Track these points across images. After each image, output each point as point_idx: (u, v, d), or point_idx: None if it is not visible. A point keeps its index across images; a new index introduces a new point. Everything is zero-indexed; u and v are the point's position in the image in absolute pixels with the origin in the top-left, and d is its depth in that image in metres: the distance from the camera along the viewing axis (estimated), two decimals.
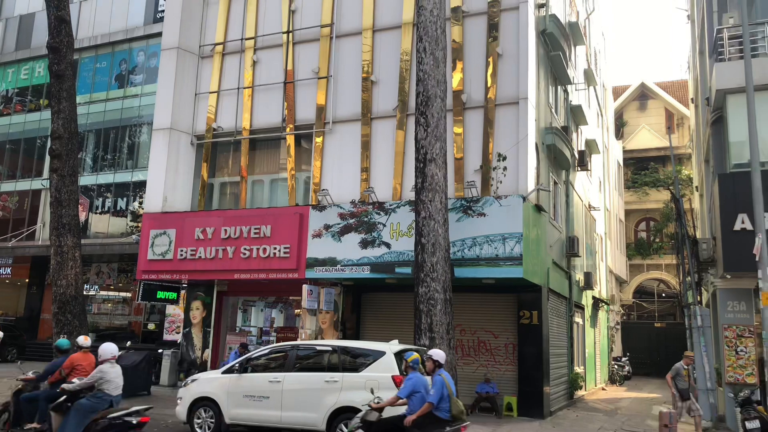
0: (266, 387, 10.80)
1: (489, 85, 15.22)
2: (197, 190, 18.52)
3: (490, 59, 15.32)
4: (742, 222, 12.78)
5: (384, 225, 14.91)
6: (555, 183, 18.22)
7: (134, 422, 8.15)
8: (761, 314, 10.98)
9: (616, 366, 28.63)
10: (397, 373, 10.02)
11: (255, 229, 16.15)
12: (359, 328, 16.80)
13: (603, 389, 24.49)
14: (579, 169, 21.48)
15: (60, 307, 16.23)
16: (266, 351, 11.71)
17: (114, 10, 25.14)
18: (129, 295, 23.68)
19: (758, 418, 11.32)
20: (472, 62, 15.59)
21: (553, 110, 18.31)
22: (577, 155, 20.96)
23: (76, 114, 17.46)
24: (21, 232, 24.88)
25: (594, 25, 26.96)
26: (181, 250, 16.84)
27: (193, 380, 11.77)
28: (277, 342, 16.27)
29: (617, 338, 33.52)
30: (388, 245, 14.77)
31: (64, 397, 8.77)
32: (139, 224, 20.10)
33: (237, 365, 11.38)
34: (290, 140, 17.44)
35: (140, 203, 22.31)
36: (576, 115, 21.13)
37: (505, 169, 14.55)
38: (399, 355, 10.39)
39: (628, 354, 32.94)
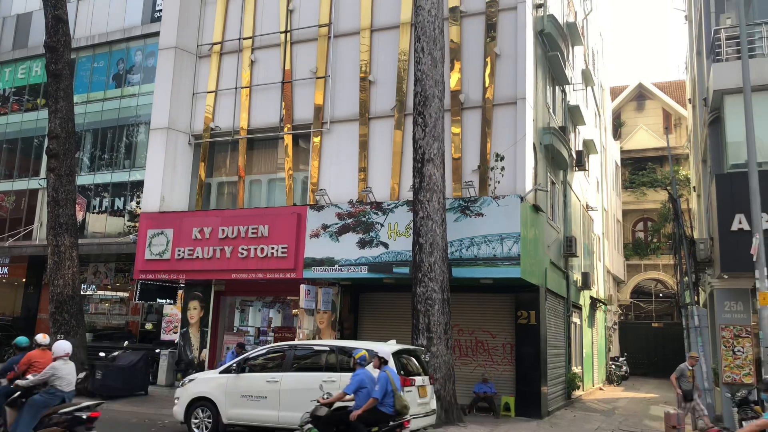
0: (264, 387, 10.79)
1: (487, 85, 15.23)
2: (195, 190, 18.49)
3: (488, 59, 15.32)
4: (740, 222, 12.80)
5: (382, 225, 14.91)
6: (553, 183, 18.23)
7: (84, 417, 8.31)
8: (758, 314, 11.00)
9: (613, 366, 28.65)
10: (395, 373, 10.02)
11: (253, 229, 16.13)
12: (357, 328, 16.79)
13: (600, 389, 24.51)
14: (577, 169, 21.50)
15: (57, 306, 16.22)
16: (264, 351, 11.70)
17: (111, 9, 25.07)
18: (126, 294, 23.63)
19: (755, 418, 11.34)
20: (470, 62, 15.59)
21: (551, 110, 18.32)
22: (574, 155, 20.97)
23: (74, 113, 17.45)
24: (18, 232, 24.82)
25: (592, 26, 26.98)
26: (179, 250, 16.82)
27: (190, 380, 11.75)
28: (274, 342, 16.24)
29: (615, 338, 33.56)
30: (385, 245, 14.77)
31: (19, 392, 8.92)
32: (137, 224, 20.07)
33: (234, 365, 11.37)
34: (288, 140, 17.42)
35: (137, 203, 22.26)
36: (574, 115, 21.15)
37: (502, 169, 14.55)
38: (397, 356, 10.40)
39: (625, 354, 32.96)
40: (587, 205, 24.35)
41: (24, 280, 26.15)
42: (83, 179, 23.62)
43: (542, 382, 14.85)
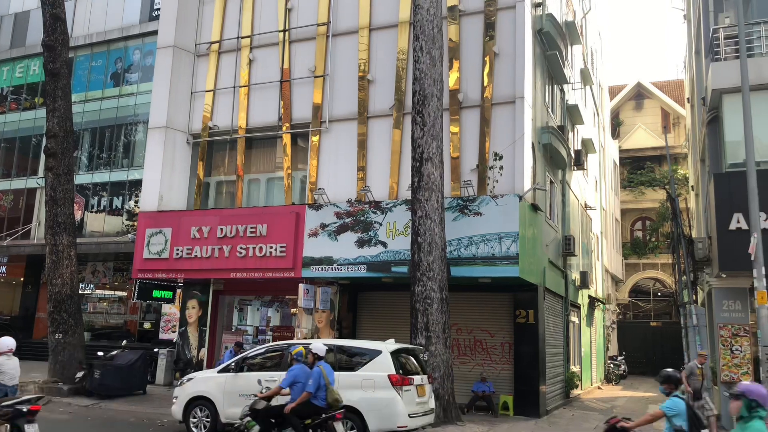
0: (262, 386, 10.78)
1: (485, 84, 15.22)
2: (193, 189, 18.47)
3: (487, 58, 15.31)
4: (738, 221, 12.81)
5: (380, 224, 14.91)
6: (551, 182, 18.23)
7: (24, 410, 8.38)
8: (756, 313, 11.00)
9: (611, 365, 28.68)
10: (393, 372, 10.04)
11: (251, 228, 16.12)
12: (355, 328, 16.79)
13: (599, 388, 24.54)
14: (575, 168, 21.51)
15: (55, 306, 16.21)
16: (262, 350, 11.71)
17: (109, 8, 25.06)
18: (125, 294, 23.62)
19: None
20: (468, 61, 15.58)
21: (550, 109, 18.32)
22: (573, 154, 20.98)
23: (72, 112, 17.43)
24: (16, 231, 24.79)
25: (590, 25, 26.99)
26: (177, 249, 16.80)
27: (188, 379, 11.75)
28: (273, 341, 16.24)
29: (613, 337, 33.58)
30: (384, 244, 14.76)
31: None
32: (135, 223, 20.05)
33: (233, 364, 11.37)
34: (286, 139, 17.41)
35: (136, 202, 22.25)
36: (572, 114, 21.15)
37: (501, 168, 14.55)
38: (395, 354, 10.41)
39: (623, 353, 33.00)
40: (586, 205, 24.37)
41: (22, 279, 26.14)
42: (81, 178, 23.60)
43: (541, 381, 14.86)
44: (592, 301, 25.07)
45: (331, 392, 8.87)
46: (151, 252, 17.16)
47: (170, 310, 19.84)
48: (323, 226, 15.44)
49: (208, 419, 11.02)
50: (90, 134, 24.58)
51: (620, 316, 36.15)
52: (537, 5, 16.68)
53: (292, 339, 14.89)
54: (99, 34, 24.90)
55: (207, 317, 17.91)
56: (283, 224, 15.84)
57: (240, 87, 18.12)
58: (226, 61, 18.57)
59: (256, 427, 9.02)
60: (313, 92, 17.12)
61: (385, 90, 16.31)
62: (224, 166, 18.75)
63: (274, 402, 9.30)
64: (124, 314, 23.70)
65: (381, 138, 16.16)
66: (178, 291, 18.62)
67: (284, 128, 17.42)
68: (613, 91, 39.43)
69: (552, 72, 18.53)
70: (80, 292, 18.53)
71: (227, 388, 11.03)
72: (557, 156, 18.03)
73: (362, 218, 15.12)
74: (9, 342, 9.40)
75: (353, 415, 9.93)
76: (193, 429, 11.09)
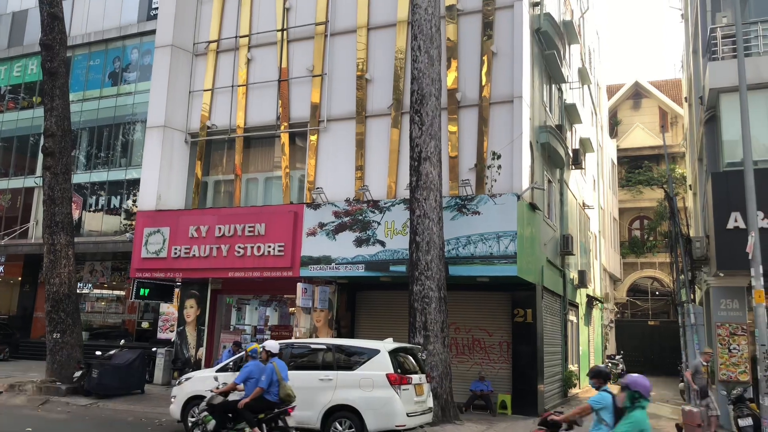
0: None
1: (483, 83, 15.23)
2: (191, 188, 18.46)
3: (485, 58, 15.32)
4: (735, 220, 12.83)
5: (379, 223, 14.91)
6: (549, 181, 18.24)
7: None
8: (754, 312, 11.01)
9: (609, 364, 28.70)
10: (392, 371, 10.05)
11: (249, 227, 16.11)
12: (354, 327, 16.80)
13: None
14: (573, 167, 21.53)
15: (53, 305, 16.20)
16: None
17: (107, 7, 25.01)
18: (123, 293, 23.60)
19: (751, 416, 11.38)
20: (466, 61, 15.59)
21: (548, 109, 18.33)
22: (571, 154, 21.00)
23: (69, 112, 17.41)
24: (14, 230, 24.76)
25: (588, 24, 27.01)
26: (175, 249, 16.79)
27: (187, 379, 11.75)
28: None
29: (611, 336, 33.64)
30: (382, 243, 14.77)
31: None
32: (133, 222, 20.03)
33: (231, 364, 11.37)
34: (285, 138, 17.41)
35: (134, 201, 22.22)
36: (570, 113, 21.17)
37: (499, 167, 14.56)
38: (394, 354, 10.41)
39: (621, 352, 33.03)
40: (584, 204, 24.39)
41: (20, 278, 26.10)
42: (79, 177, 23.57)
43: (539, 380, 14.87)
44: (590, 300, 25.10)
45: (284, 387, 9.13)
46: (149, 251, 17.14)
47: (168, 310, 19.82)
48: (321, 225, 15.44)
49: None
50: (88, 133, 24.54)
51: (618, 315, 36.20)
52: (535, 4, 16.69)
53: (290, 338, 14.89)
54: (97, 33, 24.85)
55: (205, 316, 17.91)
56: (281, 223, 15.84)
57: (238, 86, 18.11)
58: (225, 60, 18.55)
59: (213, 422, 9.38)
60: (312, 91, 17.12)
61: (383, 89, 16.31)
62: (222, 165, 18.74)
63: (232, 397, 9.56)
64: (122, 313, 23.68)
65: (379, 137, 16.16)
66: (176, 290, 18.61)
67: (282, 127, 17.41)
68: (611, 91, 39.48)
69: (550, 71, 18.54)
70: (78, 291, 18.52)
71: None
72: (555, 155, 18.05)
73: (360, 217, 15.12)
74: None
75: (351, 414, 9.96)
76: (192, 428, 11.08)
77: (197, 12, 19.19)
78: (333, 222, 15.33)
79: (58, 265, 16.32)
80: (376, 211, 15.04)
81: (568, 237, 19.21)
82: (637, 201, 37.04)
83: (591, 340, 25.21)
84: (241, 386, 9.31)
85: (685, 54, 25.11)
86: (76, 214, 22.94)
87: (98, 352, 16.53)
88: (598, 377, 6.39)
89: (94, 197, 23.87)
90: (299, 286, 15.03)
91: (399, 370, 10.20)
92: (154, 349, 18.32)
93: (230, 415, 9.35)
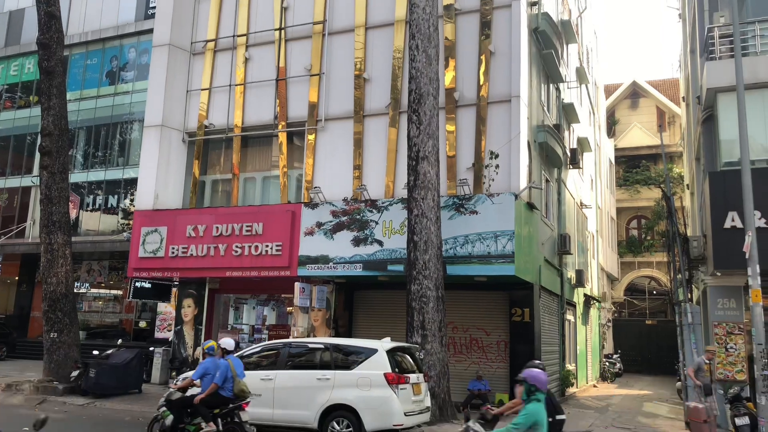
0: (258, 385, 10.76)
1: (481, 83, 15.24)
2: (189, 188, 18.44)
3: (483, 57, 15.33)
4: (733, 220, 12.84)
5: (376, 223, 14.91)
6: (547, 181, 18.26)
7: None
8: (751, 311, 11.03)
9: (607, 363, 28.75)
10: (389, 370, 10.05)
11: (247, 226, 16.10)
12: (352, 326, 16.80)
13: (594, 386, 24.59)
14: (571, 167, 21.55)
15: (50, 304, 16.16)
16: (258, 349, 11.68)
17: (104, 6, 24.95)
18: (120, 292, 23.57)
19: (748, 415, 11.39)
20: (464, 60, 15.59)
21: (546, 108, 18.35)
22: (569, 153, 21.02)
23: (67, 111, 17.37)
24: (11, 230, 24.70)
25: (586, 24, 27.03)
26: (173, 248, 16.77)
27: (184, 378, 11.71)
28: (269, 340, 16.24)
29: (608, 335, 33.68)
30: (380, 243, 14.77)
31: None
32: (131, 222, 20.00)
33: None
34: (282, 138, 17.39)
35: (131, 201, 22.18)
36: (568, 113, 21.19)
37: (497, 167, 14.56)
38: (391, 353, 10.41)
39: (619, 351, 33.10)
40: (581, 203, 24.42)
41: (17, 278, 26.05)
42: (76, 177, 23.52)
43: None
44: (588, 300, 25.13)
45: (238, 384, 9.42)
46: (146, 251, 17.12)
47: (166, 309, 19.79)
48: (319, 224, 15.44)
49: None
50: (85, 132, 24.49)
51: (616, 315, 36.25)
52: (533, 4, 16.69)
53: (288, 338, 14.89)
54: (94, 32, 24.80)
55: (203, 316, 17.89)
56: (278, 223, 15.83)
57: (236, 85, 18.09)
58: (222, 59, 18.54)
59: (171, 417, 9.55)
60: (309, 91, 17.11)
61: (381, 88, 16.31)
62: (220, 164, 18.72)
63: (191, 393, 9.73)
64: (120, 313, 23.64)
65: (377, 136, 16.16)
66: (174, 290, 18.58)
67: (280, 127, 17.40)
68: (609, 90, 39.51)
69: (548, 71, 18.55)
70: (75, 290, 18.48)
71: None
72: (553, 155, 18.06)
73: (358, 217, 15.12)
74: None
75: (349, 414, 9.96)
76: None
77: (195, 11, 19.17)
78: (331, 221, 15.33)
79: (55, 264, 16.28)
80: (373, 210, 15.04)
81: (565, 236, 19.23)
82: (635, 200, 37.09)
83: (588, 339, 25.24)
84: (198, 382, 9.56)
85: (682, 53, 25.14)
86: (73, 214, 22.89)
87: (95, 352, 16.49)
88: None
89: (92, 196, 23.83)
90: (297, 285, 15.03)
91: (397, 370, 10.20)
92: (151, 348, 18.28)
93: (188, 410, 9.54)
